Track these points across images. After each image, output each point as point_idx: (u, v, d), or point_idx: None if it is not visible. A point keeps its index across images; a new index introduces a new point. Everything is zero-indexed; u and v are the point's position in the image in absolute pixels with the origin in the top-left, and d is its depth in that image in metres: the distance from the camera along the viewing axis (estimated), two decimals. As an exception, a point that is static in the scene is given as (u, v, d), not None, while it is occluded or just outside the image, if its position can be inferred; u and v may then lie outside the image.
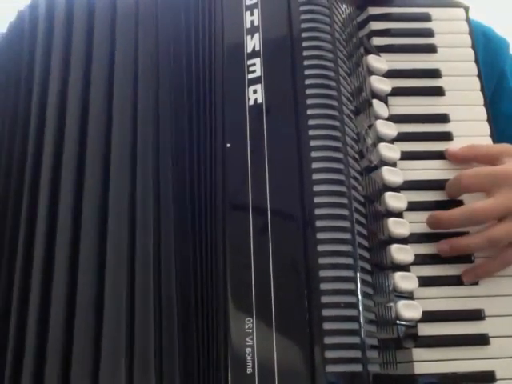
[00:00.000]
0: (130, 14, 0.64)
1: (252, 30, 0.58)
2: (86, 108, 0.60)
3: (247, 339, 0.48)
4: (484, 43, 0.83)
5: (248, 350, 0.48)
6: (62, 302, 0.53)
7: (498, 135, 0.68)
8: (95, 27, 0.64)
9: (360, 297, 0.49)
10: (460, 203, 0.63)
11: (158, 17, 0.64)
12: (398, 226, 0.59)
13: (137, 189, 0.56)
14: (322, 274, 0.49)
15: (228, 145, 0.55)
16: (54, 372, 0.51)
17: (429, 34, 0.71)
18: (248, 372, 0.47)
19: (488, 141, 0.67)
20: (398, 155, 0.62)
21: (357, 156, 0.57)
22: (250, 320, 0.49)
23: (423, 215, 0.62)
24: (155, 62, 0.62)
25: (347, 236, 0.51)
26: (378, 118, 0.63)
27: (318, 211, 0.51)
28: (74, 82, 0.62)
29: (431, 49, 0.70)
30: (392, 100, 0.66)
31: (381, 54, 0.67)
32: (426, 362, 0.57)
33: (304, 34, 0.57)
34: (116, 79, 0.61)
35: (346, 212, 0.52)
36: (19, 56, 0.66)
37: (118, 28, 0.63)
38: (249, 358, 0.47)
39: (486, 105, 0.68)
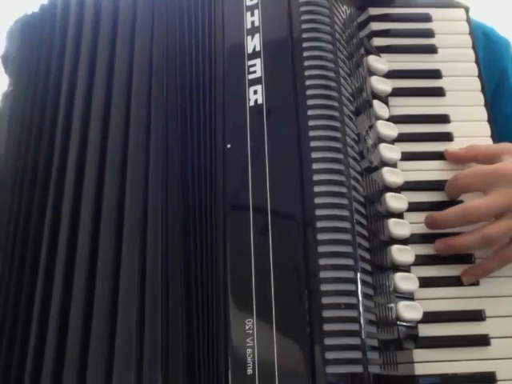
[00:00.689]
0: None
1: (252, 31, 0.58)
2: (109, 104, 0.62)
3: (247, 340, 0.48)
4: (485, 43, 0.83)
5: (248, 350, 0.48)
6: (80, 307, 0.54)
7: (498, 135, 0.68)
8: (119, 25, 0.65)
9: (360, 298, 0.49)
10: (460, 203, 0.63)
11: (160, 18, 0.64)
12: (398, 227, 0.59)
13: (149, 192, 0.57)
14: (323, 274, 0.49)
15: (228, 145, 0.55)
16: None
17: (429, 34, 0.70)
18: (248, 373, 0.47)
19: (488, 141, 0.66)
20: (398, 156, 0.62)
21: (357, 157, 0.57)
22: (250, 321, 0.49)
23: (424, 216, 0.62)
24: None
25: (347, 237, 0.51)
26: (378, 118, 0.63)
27: (318, 212, 0.51)
28: (99, 75, 0.63)
29: (432, 49, 0.70)
30: (392, 100, 0.66)
31: (381, 55, 0.67)
32: (426, 362, 0.57)
33: (304, 35, 0.57)
34: (134, 78, 0.62)
35: (346, 213, 0.52)
36: (50, 39, 0.67)
37: (138, 24, 0.65)
38: (249, 359, 0.47)
39: (486, 105, 0.68)
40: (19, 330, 0.55)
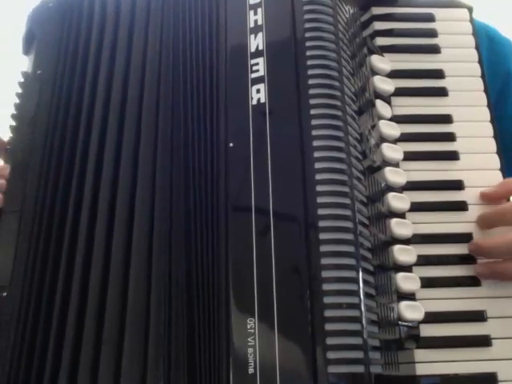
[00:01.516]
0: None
1: (255, 30, 0.58)
2: (126, 88, 0.63)
3: (249, 339, 0.48)
4: (488, 45, 0.83)
5: (250, 350, 0.48)
6: (94, 308, 0.55)
7: (504, 136, 0.68)
8: (136, 18, 0.66)
9: (362, 297, 0.49)
10: (464, 204, 0.63)
11: (163, 17, 0.64)
12: (400, 227, 0.59)
13: (156, 190, 0.58)
14: (325, 274, 0.49)
15: (231, 144, 0.55)
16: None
17: (432, 34, 0.70)
18: (250, 372, 0.47)
19: (491, 142, 0.66)
20: (400, 156, 0.62)
21: (360, 156, 0.57)
22: (252, 320, 0.49)
23: (426, 216, 0.62)
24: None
25: (350, 237, 0.51)
26: (381, 118, 0.63)
27: (320, 211, 0.51)
28: (119, 61, 0.65)
29: (435, 49, 0.70)
30: (395, 100, 0.66)
31: (384, 54, 0.67)
32: (428, 363, 0.57)
33: (307, 34, 0.57)
34: (147, 75, 0.63)
35: (348, 212, 0.52)
36: (78, 22, 0.69)
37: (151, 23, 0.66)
38: (250, 359, 0.47)
39: (489, 105, 0.68)
40: (40, 333, 0.56)
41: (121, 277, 0.55)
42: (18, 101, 0.72)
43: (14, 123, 0.71)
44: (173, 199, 0.57)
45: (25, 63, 0.74)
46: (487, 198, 0.63)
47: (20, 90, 0.73)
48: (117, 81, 0.63)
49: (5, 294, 0.58)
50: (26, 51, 0.76)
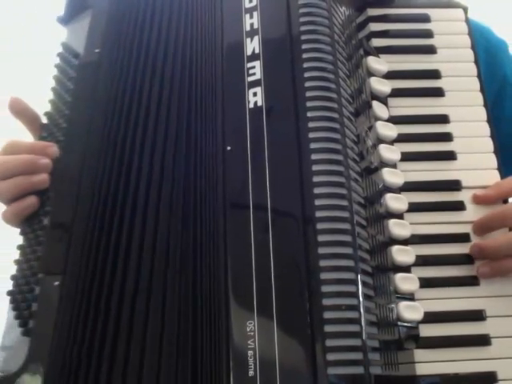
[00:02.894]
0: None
1: (251, 33, 0.58)
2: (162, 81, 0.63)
3: (249, 342, 0.48)
4: (485, 46, 0.83)
5: (250, 352, 0.48)
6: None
7: (502, 137, 0.68)
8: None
9: (361, 299, 0.49)
10: (462, 204, 0.63)
11: (160, 20, 0.64)
12: (398, 227, 0.59)
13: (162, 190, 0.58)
14: (323, 276, 0.49)
15: (228, 148, 0.55)
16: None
17: (428, 34, 0.70)
18: (250, 375, 0.47)
19: (488, 142, 0.66)
20: (398, 156, 0.62)
21: (357, 158, 0.58)
22: (251, 322, 0.49)
23: (424, 216, 0.62)
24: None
25: (348, 238, 0.51)
26: (377, 119, 0.63)
27: (318, 213, 0.51)
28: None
29: (431, 50, 0.70)
30: (392, 101, 0.66)
31: (380, 56, 0.67)
32: (427, 362, 0.57)
33: (303, 37, 0.57)
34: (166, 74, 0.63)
35: (346, 214, 0.52)
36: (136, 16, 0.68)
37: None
38: (250, 361, 0.48)
39: (485, 105, 0.68)
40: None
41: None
42: (66, 83, 0.68)
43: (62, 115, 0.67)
44: (172, 202, 0.57)
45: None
46: (480, 201, 0.63)
47: (61, 65, 0.70)
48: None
49: (57, 282, 0.58)
50: (68, 20, 0.73)
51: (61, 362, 0.54)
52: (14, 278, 0.64)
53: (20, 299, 0.61)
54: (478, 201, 0.63)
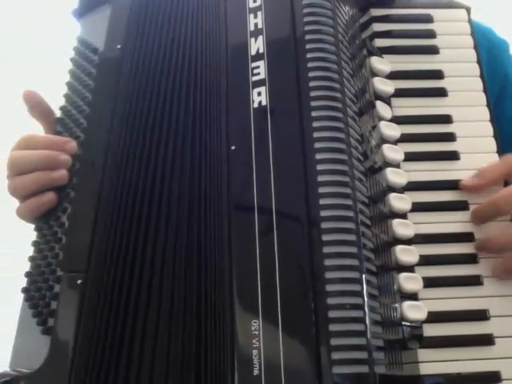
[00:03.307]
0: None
1: (256, 33, 0.59)
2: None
3: (254, 341, 0.48)
4: (487, 47, 0.83)
5: (254, 351, 0.48)
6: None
7: (502, 138, 0.68)
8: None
9: (366, 298, 0.50)
10: (466, 204, 0.63)
11: (164, 20, 0.64)
12: (402, 227, 0.59)
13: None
14: (328, 275, 0.49)
15: (233, 147, 0.55)
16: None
17: (431, 35, 0.71)
18: (255, 374, 0.47)
19: (491, 141, 0.67)
20: (401, 156, 0.62)
21: (361, 157, 0.58)
22: (256, 322, 0.49)
23: (428, 216, 0.62)
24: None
25: (352, 237, 0.51)
26: (381, 119, 0.63)
27: (323, 213, 0.51)
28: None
29: (433, 50, 0.70)
30: (395, 101, 0.66)
31: (383, 56, 0.68)
32: (431, 362, 0.57)
33: (307, 36, 0.57)
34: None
35: (351, 214, 0.52)
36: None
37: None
38: (255, 360, 0.48)
39: (488, 105, 0.68)
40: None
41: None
42: (85, 80, 0.67)
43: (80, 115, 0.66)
44: (178, 201, 0.57)
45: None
46: (467, 190, 0.63)
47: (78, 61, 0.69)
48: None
49: (80, 281, 0.57)
50: (83, 13, 0.72)
51: (84, 361, 0.54)
52: (28, 274, 0.63)
53: (38, 297, 0.60)
54: (463, 189, 0.64)
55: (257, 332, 0.48)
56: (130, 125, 0.62)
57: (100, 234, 0.58)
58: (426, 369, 0.57)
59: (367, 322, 0.49)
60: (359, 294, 0.49)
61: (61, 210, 0.62)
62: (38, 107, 0.69)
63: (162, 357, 0.52)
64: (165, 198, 0.58)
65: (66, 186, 0.63)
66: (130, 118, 0.62)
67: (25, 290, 0.62)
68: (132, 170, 0.60)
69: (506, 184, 0.65)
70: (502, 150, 0.66)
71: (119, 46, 0.66)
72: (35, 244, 0.64)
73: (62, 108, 0.69)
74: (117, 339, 0.54)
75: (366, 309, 0.49)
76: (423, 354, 0.57)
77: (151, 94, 0.63)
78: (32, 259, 0.64)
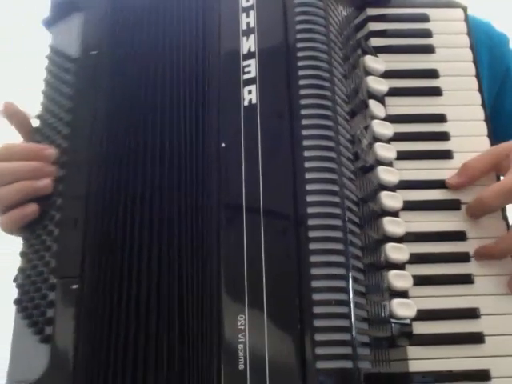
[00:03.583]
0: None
1: (248, 32, 0.59)
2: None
3: (239, 336, 0.49)
4: (487, 42, 0.83)
5: (240, 346, 0.49)
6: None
7: (501, 132, 0.68)
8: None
9: (351, 294, 0.50)
10: (458, 203, 0.63)
11: (157, 17, 0.65)
12: (393, 225, 0.59)
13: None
14: (314, 271, 0.50)
15: (223, 144, 0.56)
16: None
17: (427, 34, 0.71)
18: (240, 368, 0.48)
19: (485, 141, 0.67)
20: (393, 155, 0.62)
21: (351, 157, 0.58)
22: (242, 317, 0.49)
23: (419, 214, 0.62)
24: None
25: (339, 234, 0.51)
26: (374, 118, 0.63)
27: (310, 210, 0.51)
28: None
29: (429, 49, 0.70)
30: (389, 100, 0.67)
31: (379, 55, 0.68)
32: (421, 360, 0.58)
33: (299, 36, 0.58)
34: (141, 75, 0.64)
35: (338, 211, 0.52)
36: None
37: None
38: (241, 354, 0.48)
39: (483, 105, 0.68)
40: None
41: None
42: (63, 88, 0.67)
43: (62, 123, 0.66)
44: (168, 197, 0.58)
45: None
46: (452, 188, 0.64)
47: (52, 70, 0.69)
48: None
49: (75, 286, 0.57)
50: (53, 22, 0.72)
51: (86, 368, 0.55)
52: (20, 286, 0.63)
53: (32, 307, 0.60)
54: (450, 187, 0.64)
55: (243, 327, 0.49)
56: (113, 128, 0.62)
57: (91, 238, 0.59)
58: (415, 366, 0.57)
59: (352, 317, 0.49)
60: (345, 290, 0.50)
61: (48, 219, 0.63)
62: (14, 117, 0.69)
63: (152, 356, 0.53)
64: (156, 197, 0.58)
65: (52, 194, 0.63)
66: (112, 121, 0.63)
67: (17, 302, 0.63)
68: (119, 172, 0.61)
69: (498, 178, 0.65)
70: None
71: (95, 52, 0.66)
72: (23, 255, 0.65)
73: (38, 117, 0.69)
74: (121, 342, 0.55)
75: (352, 305, 0.50)
76: (413, 351, 0.58)
77: (133, 95, 0.63)
78: (21, 270, 0.64)
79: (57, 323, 0.57)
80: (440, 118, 0.67)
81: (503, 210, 0.63)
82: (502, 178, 0.64)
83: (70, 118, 0.65)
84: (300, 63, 0.57)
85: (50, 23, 0.73)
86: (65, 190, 0.62)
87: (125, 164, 0.60)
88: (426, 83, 0.69)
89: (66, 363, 0.55)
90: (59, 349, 0.56)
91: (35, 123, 0.70)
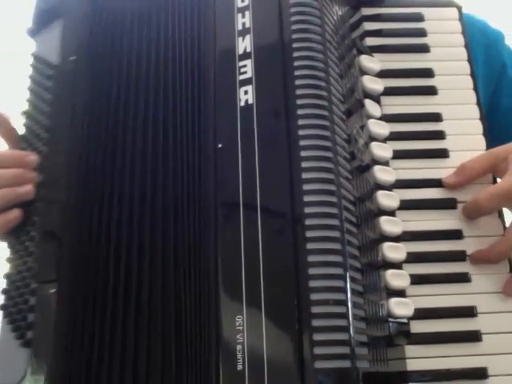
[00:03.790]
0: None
1: (243, 32, 0.59)
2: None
3: (238, 336, 0.49)
4: (484, 43, 0.84)
5: (238, 347, 0.49)
6: None
7: (500, 130, 0.68)
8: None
9: (349, 294, 0.50)
10: (454, 202, 0.63)
11: (152, 18, 0.65)
12: (390, 224, 0.59)
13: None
14: (311, 271, 0.50)
15: (219, 145, 0.56)
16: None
17: (422, 33, 0.71)
18: (238, 369, 0.48)
19: (481, 139, 0.67)
20: (390, 154, 0.63)
21: (348, 156, 0.58)
22: (240, 317, 0.49)
23: (415, 213, 0.62)
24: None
25: (336, 234, 0.51)
26: (370, 117, 0.63)
27: (307, 210, 0.52)
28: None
29: (424, 48, 0.70)
30: (385, 100, 0.67)
31: (374, 55, 0.68)
32: (418, 358, 0.58)
33: (294, 36, 0.58)
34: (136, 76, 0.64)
35: (335, 210, 0.52)
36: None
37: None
38: (239, 355, 0.48)
39: (478, 103, 0.68)
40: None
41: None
42: (44, 94, 0.67)
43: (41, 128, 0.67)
44: (164, 198, 0.58)
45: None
46: (449, 187, 0.64)
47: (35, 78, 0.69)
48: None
49: (52, 290, 0.57)
50: (37, 31, 0.72)
51: (63, 371, 0.55)
52: (5, 292, 0.64)
53: (15, 312, 0.61)
54: (446, 186, 0.64)
55: (241, 327, 0.49)
56: (92, 135, 0.63)
57: (68, 242, 0.59)
58: (413, 365, 0.57)
59: (350, 317, 0.49)
60: (342, 289, 0.50)
61: (30, 224, 0.63)
62: (2, 127, 0.70)
63: (144, 357, 0.53)
64: (148, 199, 0.58)
65: (34, 199, 0.63)
66: (91, 127, 0.63)
67: (3, 307, 0.63)
68: (96, 176, 0.61)
69: (495, 180, 0.65)
70: (498, 142, 0.66)
71: (73, 58, 0.66)
72: (9, 261, 0.65)
73: (24, 125, 0.70)
74: (96, 344, 0.55)
75: (350, 304, 0.50)
76: (411, 350, 0.58)
77: (110, 99, 0.63)
78: (7, 276, 0.64)
79: (36, 327, 0.57)
80: (435, 117, 0.67)
81: (499, 209, 0.64)
82: (498, 180, 0.64)
83: (48, 123, 0.65)
84: (296, 63, 0.57)
85: (34, 32, 0.73)
86: (44, 194, 0.62)
87: (108, 166, 0.61)
88: (421, 82, 0.69)
89: (44, 368, 0.55)
90: (38, 353, 0.56)
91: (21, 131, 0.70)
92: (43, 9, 0.72)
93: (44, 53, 0.70)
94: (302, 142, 0.54)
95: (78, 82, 0.64)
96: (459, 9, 0.73)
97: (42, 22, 0.71)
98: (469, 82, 0.69)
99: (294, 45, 0.57)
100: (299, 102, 0.55)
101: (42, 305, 0.58)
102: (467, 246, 0.62)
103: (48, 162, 0.64)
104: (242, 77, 0.57)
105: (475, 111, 0.68)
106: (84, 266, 0.58)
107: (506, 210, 0.64)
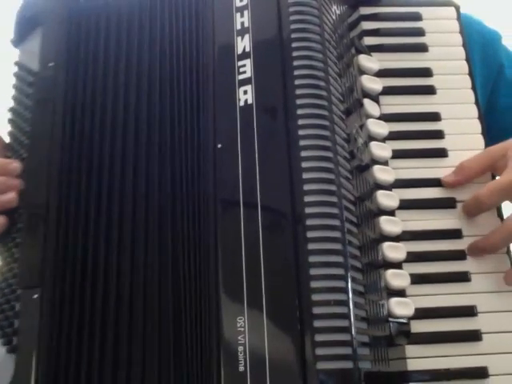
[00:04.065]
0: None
1: (242, 32, 0.59)
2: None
3: (239, 337, 0.49)
4: (480, 41, 0.84)
5: (240, 348, 0.48)
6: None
7: (497, 129, 0.68)
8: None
9: (350, 294, 0.50)
10: (453, 201, 0.63)
11: (151, 18, 0.65)
12: (389, 224, 0.59)
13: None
14: (313, 272, 0.50)
15: (219, 145, 0.55)
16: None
17: (420, 33, 0.71)
18: (240, 370, 0.48)
19: (479, 139, 0.67)
20: (389, 154, 0.62)
21: (347, 156, 0.58)
22: (241, 318, 0.49)
23: (415, 213, 0.62)
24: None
25: (337, 234, 0.51)
26: (369, 117, 0.63)
27: (308, 210, 0.51)
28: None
29: (422, 48, 0.70)
30: (383, 99, 0.67)
31: (372, 54, 0.68)
32: (419, 358, 0.58)
33: (293, 35, 0.58)
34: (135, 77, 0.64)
35: (336, 211, 0.52)
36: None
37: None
38: (241, 356, 0.48)
39: (477, 103, 0.68)
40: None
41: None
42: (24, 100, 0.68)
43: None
44: (163, 199, 0.58)
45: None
46: (448, 186, 0.64)
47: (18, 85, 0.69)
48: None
49: (36, 295, 0.57)
50: (20, 40, 0.72)
51: (47, 376, 0.54)
52: None
53: (2, 318, 0.61)
54: (445, 185, 0.64)
55: (242, 328, 0.49)
56: (76, 136, 0.62)
57: (51, 247, 0.58)
58: (413, 365, 0.57)
59: (352, 317, 0.49)
60: (344, 290, 0.50)
61: (15, 231, 0.63)
62: None
63: (139, 360, 0.53)
64: (141, 197, 0.58)
65: (19, 207, 0.63)
66: (74, 128, 0.63)
67: None
68: (78, 181, 0.61)
69: (493, 178, 0.65)
70: (496, 142, 0.66)
71: (52, 64, 0.66)
72: None
73: (9, 133, 0.70)
74: (85, 349, 0.55)
75: (351, 305, 0.50)
76: (411, 350, 0.58)
77: (95, 101, 0.63)
78: None
79: (21, 333, 0.57)
80: (434, 117, 0.67)
81: (498, 209, 0.64)
82: (497, 177, 0.64)
83: (29, 128, 0.65)
84: (295, 63, 0.57)
85: (17, 42, 0.73)
86: (26, 200, 0.62)
87: (95, 167, 0.61)
88: (419, 82, 0.69)
89: (28, 374, 0.54)
90: (23, 359, 0.56)
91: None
92: (22, 18, 0.73)
93: (26, 60, 0.70)
94: (302, 142, 0.54)
95: (58, 87, 0.64)
96: (457, 8, 0.73)
97: (24, 31, 0.72)
98: (467, 81, 0.69)
99: (293, 44, 0.57)
100: (299, 101, 0.55)
101: (25, 310, 0.58)
102: (467, 245, 0.62)
103: (28, 167, 0.64)
104: (241, 76, 0.57)
105: (473, 110, 0.68)
106: (70, 271, 0.58)
107: (504, 207, 0.64)
